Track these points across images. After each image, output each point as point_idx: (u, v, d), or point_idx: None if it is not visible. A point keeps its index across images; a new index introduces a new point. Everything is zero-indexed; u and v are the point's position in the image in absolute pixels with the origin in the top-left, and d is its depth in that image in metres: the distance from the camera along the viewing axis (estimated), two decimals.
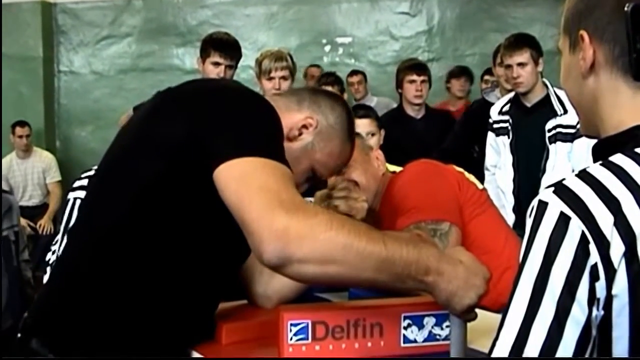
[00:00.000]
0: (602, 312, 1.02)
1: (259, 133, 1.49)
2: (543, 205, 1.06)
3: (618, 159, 1.10)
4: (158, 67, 7.88)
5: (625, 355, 1.05)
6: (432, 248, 1.50)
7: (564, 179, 1.09)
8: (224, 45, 4.20)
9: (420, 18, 7.61)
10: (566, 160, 4.04)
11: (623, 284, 1.02)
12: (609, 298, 1.02)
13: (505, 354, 1.02)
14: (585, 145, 3.94)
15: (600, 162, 1.11)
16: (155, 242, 1.54)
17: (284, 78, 4.09)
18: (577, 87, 1.22)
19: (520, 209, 4.18)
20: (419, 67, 5.01)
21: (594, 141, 1.22)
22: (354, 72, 6.94)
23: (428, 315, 1.68)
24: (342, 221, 1.38)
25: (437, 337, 1.68)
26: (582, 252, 1.01)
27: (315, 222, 1.33)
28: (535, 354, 1.00)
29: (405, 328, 1.67)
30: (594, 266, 1.01)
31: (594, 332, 1.02)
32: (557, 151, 4.06)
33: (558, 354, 1.00)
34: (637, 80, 0.91)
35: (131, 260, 1.54)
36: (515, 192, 4.23)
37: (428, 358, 1.66)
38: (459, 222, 2.27)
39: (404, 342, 1.67)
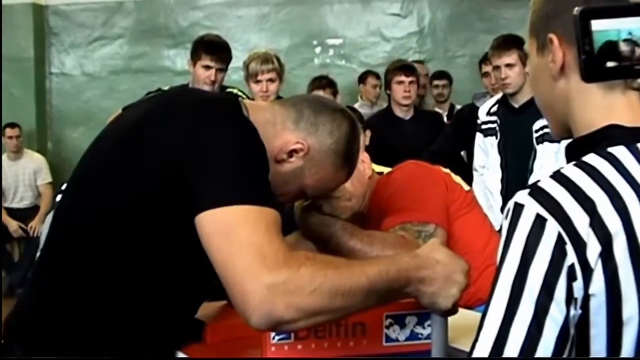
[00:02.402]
0: (579, 312, 1.04)
1: (244, 174, 1.46)
2: (519, 208, 1.08)
3: (591, 159, 1.11)
4: (150, 68, 7.88)
5: (604, 353, 1.06)
6: (409, 258, 1.51)
7: (539, 181, 1.10)
8: (215, 49, 4.21)
9: (411, 19, 7.63)
10: (554, 161, 4.05)
11: (600, 283, 1.04)
12: (587, 297, 1.04)
13: (486, 355, 1.03)
14: None
15: (574, 162, 1.12)
16: (134, 253, 1.54)
17: (271, 80, 4.09)
18: (548, 89, 1.23)
19: None
20: (407, 68, 5.04)
21: None
22: (374, 75, 6.72)
23: (410, 315, 1.69)
24: (324, 267, 1.38)
25: (419, 336, 1.69)
26: (559, 253, 1.03)
27: (299, 279, 1.33)
28: (515, 354, 1.02)
29: (387, 327, 1.68)
30: (571, 267, 1.03)
31: (572, 331, 1.04)
32: (545, 151, 4.06)
33: (537, 354, 1.01)
34: (585, 82, 0.93)
35: (110, 268, 1.54)
36: (503, 193, 4.24)
37: (410, 357, 1.68)
38: (444, 224, 2.28)
39: (386, 341, 1.68)
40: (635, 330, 1.06)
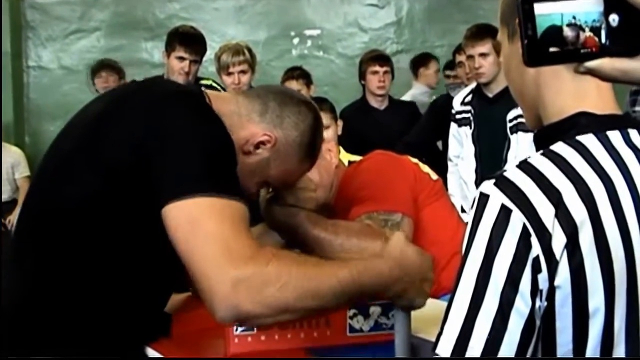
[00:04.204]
0: (545, 303, 1.03)
1: (210, 166, 1.45)
2: (484, 198, 1.06)
3: (559, 147, 1.10)
4: (127, 61, 7.78)
5: (569, 345, 1.06)
6: (379, 259, 1.51)
7: (505, 170, 1.09)
8: (189, 40, 4.20)
9: (388, 10, 7.63)
10: (528, 150, 4.05)
11: (565, 275, 1.03)
12: (552, 289, 1.03)
13: (450, 347, 1.03)
14: None
15: (542, 151, 1.11)
16: (102, 245, 1.53)
17: (242, 72, 4.09)
18: (519, 77, 1.21)
19: None
20: (382, 58, 5.04)
21: None
22: (435, 59, 6.50)
23: (374, 305, 1.70)
24: (291, 265, 1.38)
25: (384, 326, 1.70)
26: (523, 245, 1.02)
27: (265, 276, 1.33)
28: (480, 346, 1.01)
29: (351, 318, 1.69)
30: (536, 258, 1.02)
31: (537, 322, 1.03)
32: (519, 141, 4.06)
33: (503, 346, 1.01)
34: (528, 66, 0.93)
35: (78, 260, 1.53)
36: (478, 183, 4.22)
37: (373, 353, 1.68)
38: (411, 213, 2.29)
39: (350, 332, 1.69)
40: (601, 323, 1.05)
